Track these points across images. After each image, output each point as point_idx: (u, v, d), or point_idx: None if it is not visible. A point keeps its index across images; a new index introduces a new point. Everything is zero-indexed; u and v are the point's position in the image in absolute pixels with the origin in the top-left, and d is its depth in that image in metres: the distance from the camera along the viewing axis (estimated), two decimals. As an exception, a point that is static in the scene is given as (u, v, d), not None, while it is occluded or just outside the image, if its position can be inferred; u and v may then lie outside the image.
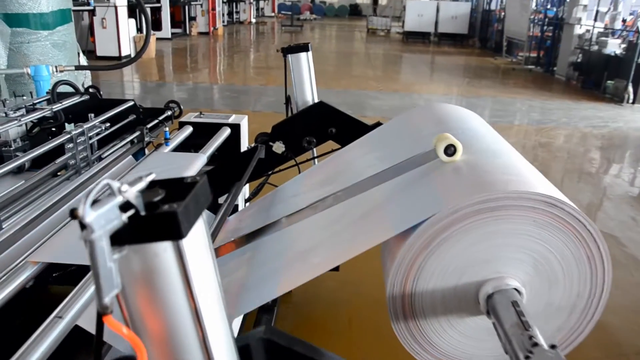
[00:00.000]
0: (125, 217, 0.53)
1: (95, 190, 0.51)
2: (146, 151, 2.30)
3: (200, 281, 0.59)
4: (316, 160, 2.59)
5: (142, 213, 0.54)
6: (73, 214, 0.64)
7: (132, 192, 0.53)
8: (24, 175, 2.07)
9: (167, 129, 2.14)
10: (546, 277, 1.19)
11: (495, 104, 8.19)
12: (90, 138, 1.98)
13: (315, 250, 1.38)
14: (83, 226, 0.51)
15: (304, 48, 2.39)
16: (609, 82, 8.92)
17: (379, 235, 1.21)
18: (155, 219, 0.54)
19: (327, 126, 2.36)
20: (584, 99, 8.79)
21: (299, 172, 2.42)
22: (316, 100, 2.45)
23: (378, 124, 2.40)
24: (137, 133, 2.05)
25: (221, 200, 2.49)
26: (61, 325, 1.10)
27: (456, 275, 1.20)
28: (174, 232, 0.54)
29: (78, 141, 1.89)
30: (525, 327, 1.05)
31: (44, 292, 1.99)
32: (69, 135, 1.83)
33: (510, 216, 1.15)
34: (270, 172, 2.48)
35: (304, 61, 2.41)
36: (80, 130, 1.89)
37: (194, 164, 1.94)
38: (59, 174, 2.12)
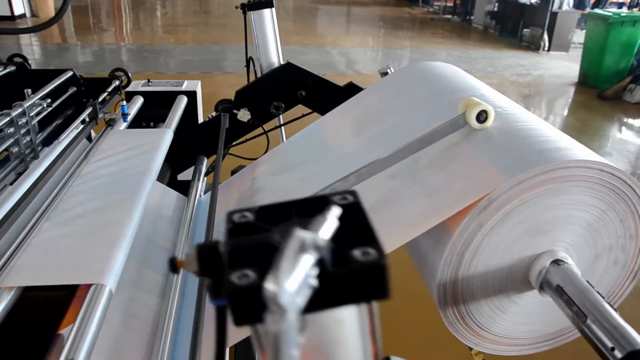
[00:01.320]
0: (314, 280, 0.35)
1: (293, 250, 0.32)
2: (92, 132, 2.00)
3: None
4: (283, 129, 2.39)
5: (331, 269, 0.36)
6: (174, 265, 0.44)
7: (324, 243, 0.35)
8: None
9: (124, 102, 1.85)
10: (594, 244, 1.13)
11: (419, 55, 8.21)
12: (31, 119, 1.66)
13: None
14: (259, 305, 0.33)
15: (268, 4, 2.14)
16: (525, 30, 9.19)
17: (424, 223, 1.07)
18: (354, 276, 0.36)
19: (296, 89, 2.16)
20: (503, 47, 9.01)
21: (267, 141, 2.23)
22: (282, 62, 2.23)
23: (351, 85, 2.24)
24: (89, 109, 1.75)
25: (182, 177, 2.26)
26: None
27: (509, 254, 1.10)
28: (379, 290, 0.37)
29: (19, 123, 1.57)
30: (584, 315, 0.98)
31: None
32: (8, 118, 1.51)
33: (565, 187, 1.06)
34: (235, 143, 2.26)
35: (268, 18, 2.17)
36: (21, 110, 1.57)
37: (162, 142, 1.69)
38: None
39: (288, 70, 2.15)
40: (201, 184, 1.95)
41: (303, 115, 2.26)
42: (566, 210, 1.07)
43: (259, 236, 0.41)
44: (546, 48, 8.68)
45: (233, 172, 2.47)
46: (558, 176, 1.03)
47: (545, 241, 1.09)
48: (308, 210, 0.45)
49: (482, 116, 1.22)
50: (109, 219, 1.21)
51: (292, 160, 1.66)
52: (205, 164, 2.13)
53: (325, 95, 2.19)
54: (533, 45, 8.88)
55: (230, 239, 0.43)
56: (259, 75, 2.25)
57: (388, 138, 1.44)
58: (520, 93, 6.33)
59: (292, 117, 2.31)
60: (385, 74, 2.34)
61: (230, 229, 0.45)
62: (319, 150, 1.61)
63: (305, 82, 2.16)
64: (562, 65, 7.71)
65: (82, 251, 1.08)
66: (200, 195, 1.89)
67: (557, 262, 1.09)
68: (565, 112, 5.86)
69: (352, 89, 2.22)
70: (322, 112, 2.24)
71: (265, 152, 2.23)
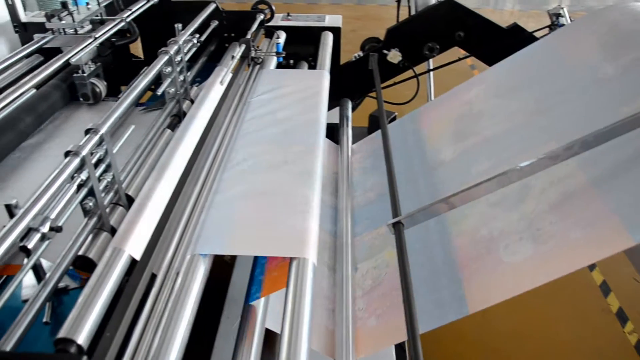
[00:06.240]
0: None
1: None
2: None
3: None
4: (432, 74, 2.16)
5: None
6: None
7: None
8: (100, 107, 1.66)
9: (280, 40, 1.70)
10: None
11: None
12: (184, 57, 1.55)
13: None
14: None
15: None
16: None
17: None
18: None
19: (455, 29, 1.91)
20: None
21: (418, 85, 2.02)
22: (441, -2, 1.96)
23: (515, 27, 1.95)
24: (243, 47, 1.61)
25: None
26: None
27: None
28: None
29: (176, 61, 1.46)
30: None
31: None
32: (167, 56, 1.40)
33: None
34: (384, 86, 2.06)
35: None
36: (176, 47, 1.46)
37: (323, 85, 1.53)
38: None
39: (447, 8, 1.89)
40: (350, 130, 1.80)
41: (459, 59, 2.02)
42: None
43: None
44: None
45: (371, 116, 2.30)
46: None
47: None
48: None
49: None
50: (294, 179, 1.07)
51: (520, 79, 1.41)
52: (350, 108, 1.97)
53: (486, 37, 1.92)
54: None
55: None
56: (412, 12, 2.01)
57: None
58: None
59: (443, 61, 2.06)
60: (558, 15, 2.04)
61: None
62: (556, 70, 1.34)
63: (466, 21, 1.90)
64: None
65: (275, 217, 0.96)
66: (350, 141, 1.74)
67: None
68: None
69: (516, 31, 1.94)
70: (481, 56, 1.99)
71: (414, 97, 2.04)
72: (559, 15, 2.03)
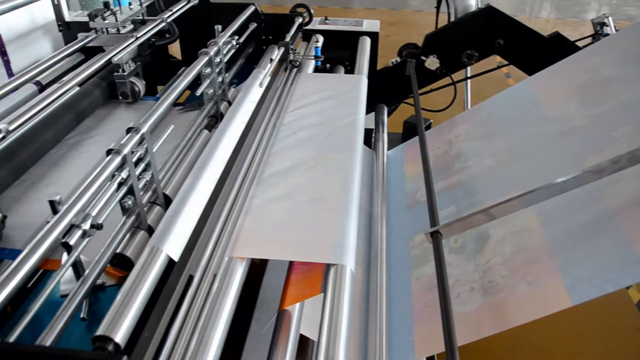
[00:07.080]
0: None
1: None
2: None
3: None
4: (469, 82, 2.13)
5: None
6: None
7: None
8: (138, 106, 1.68)
9: (318, 44, 1.69)
10: None
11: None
12: (223, 58, 1.56)
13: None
14: None
15: None
16: None
17: None
18: None
19: (494, 37, 1.88)
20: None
21: (455, 93, 1.99)
22: (480, 5, 1.94)
23: (557, 36, 1.91)
24: (281, 50, 1.61)
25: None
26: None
27: None
28: None
29: (215, 62, 1.47)
30: None
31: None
32: (207, 57, 1.40)
33: None
34: (420, 93, 2.04)
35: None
36: (216, 48, 1.47)
37: (361, 90, 1.52)
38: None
39: (487, 15, 1.86)
40: (386, 136, 1.78)
41: (498, 67, 1.98)
42: None
43: None
44: None
45: (406, 122, 2.28)
46: None
47: None
48: None
49: None
50: (332, 184, 1.06)
51: (498, 124, 1.42)
52: (386, 113, 1.95)
53: (526, 45, 1.88)
54: None
55: None
56: (452, 18, 1.98)
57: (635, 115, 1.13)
58: None
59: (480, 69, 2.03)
60: (602, 24, 1.98)
61: None
62: (531, 117, 1.35)
63: (506, 29, 1.87)
64: None
65: (313, 222, 0.95)
66: (386, 147, 1.72)
67: None
68: None
69: (558, 40, 1.89)
70: (521, 65, 1.95)
71: (450, 104, 2.01)
72: (603, 24, 1.98)
